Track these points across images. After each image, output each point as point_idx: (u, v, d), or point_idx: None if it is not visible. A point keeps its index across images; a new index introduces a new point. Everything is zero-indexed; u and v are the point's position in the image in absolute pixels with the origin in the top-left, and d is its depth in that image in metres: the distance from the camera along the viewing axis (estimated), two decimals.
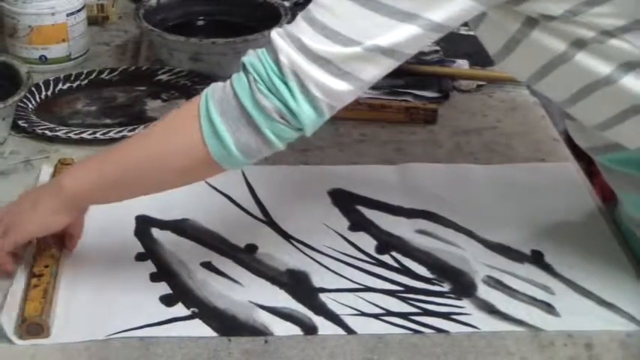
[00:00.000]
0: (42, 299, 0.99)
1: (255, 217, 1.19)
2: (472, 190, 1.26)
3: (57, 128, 1.34)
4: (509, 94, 1.53)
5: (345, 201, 1.23)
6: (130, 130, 1.33)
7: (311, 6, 0.91)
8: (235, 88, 0.92)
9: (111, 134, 1.32)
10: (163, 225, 1.17)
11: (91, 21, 1.66)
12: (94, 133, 1.32)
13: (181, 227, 1.16)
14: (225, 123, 0.92)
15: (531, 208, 1.22)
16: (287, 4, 1.65)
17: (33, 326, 0.96)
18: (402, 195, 1.24)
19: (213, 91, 0.94)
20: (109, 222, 1.15)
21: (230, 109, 0.92)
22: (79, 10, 1.55)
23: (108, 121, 1.40)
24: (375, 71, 0.91)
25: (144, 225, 1.16)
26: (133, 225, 1.16)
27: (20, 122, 1.35)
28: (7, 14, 1.52)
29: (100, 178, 1.01)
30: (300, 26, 0.91)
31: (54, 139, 1.33)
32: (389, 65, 0.91)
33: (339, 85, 0.90)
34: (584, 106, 0.98)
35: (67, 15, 1.53)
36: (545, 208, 1.21)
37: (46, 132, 1.33)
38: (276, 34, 0.92)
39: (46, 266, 1.04)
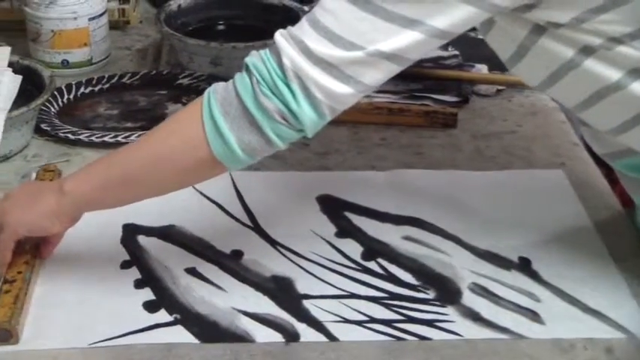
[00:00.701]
0: (12, 305, 0.98)
1: (242, 223, 1.19)
2: (461, 197, 1.25)
3: (79, 132, 1.35)
4: (528, 99, 1.53)
5: (333, 207, 1.23)
6: None
7: (316, 9, 0.92)
8: (238, 89, 0.93)
9: (132, 138, 1.33)
10: (149, 232, 1.17)
11: (113, 25, 1.67)
12: (116, 136, 1.33)
13: (167, 233, 1.16)
14: (227, 122, 0.93)
15: (521, 214, 1.22)
16: (306, 8, 1.65)
17: (1, 332, 0.96)
18: (390, 201, 1.24)
19: (216, 91, 0.95)
20: (95, 231, 1.15)
21: (232, 109, 0.93)
22: (100, 15, 1.56)
23: (129, 124, 1.41)
24: (378, 75, 0.91)
25: (130, 233, 1.16)
26: (119, 233, 1.16)
27: (43, 125, 1.36)
28: (30, 19, 1.53)
29: (102, 180, 1.01)
30: (303, 29, 0.91)
31: (76, 143, 1.34)
32: (391, 70, 0.92)
33: (341, 89, 0.91)
34: (595, 111, 0.98)
35: (89, 19, 1.54)
36: (534, 215, 1.21)
37: (69, 135, 1.34)
38: (279, 36, 0.92)
39: (19, 272, 1.04)
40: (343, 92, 0.91)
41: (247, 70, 0.93)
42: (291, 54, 0.90)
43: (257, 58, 0.93)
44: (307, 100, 0.91)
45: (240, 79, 0.93)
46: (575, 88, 0.98)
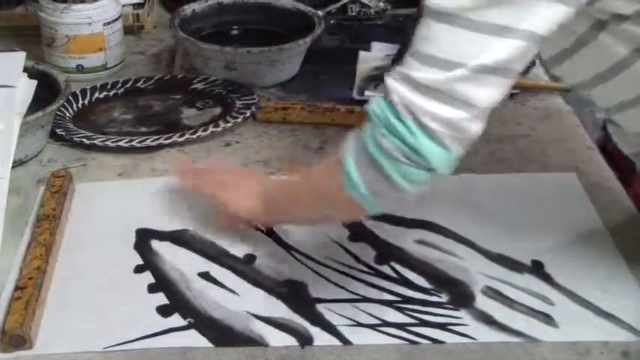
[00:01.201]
0: (23, 311, 0.99)
1: (256, 228, 1.19)
2: (474, 200, 1.25)
3: (94, 136, 1.36)
4: (542, 102, 1.53)
5: None
6: (165, 139, 1.34)
7: (413, 41, 0.90)
8: (364, 137, 0.92)
9: (147, 142, 1.33)
10: (163, 236, 1.17)
11: (127, 30, 1.67)
12: (131, 141, 1.34)
13: (180, 238, 1.17)
14: (359, 173, 0.92)
15: (534, 218, 1.21)
16: (320, 13, 1.65)
17: (15, 338, 0.97)
18: (403, 205, 1.23)
19: (350, 142, 0.94)
20: (109, 236, 1.16)
21: (361, 158, 0.92)
22: (115, 20, 1.57)
23: (144, 129, 1.42)
24: (488, 93, 0.88)
25: (143, 237, 1.17)
26: (133, 238, 1.17)
27: (58, 130, 1.36)
28: (45, 24, 1.54)
29: None
30: (406, 62, 0.90)
31: (91, 147, 1.34)
32: (501, 84, 0.88)
33: (453, 114, 0.87)
34: (635, 113, 0.98)
35: (104, 24, 1.54)
36: (547, 219, 1.21)
37: (84, 140, 1.34)
38: (387, 77, 0.91)
39: (30, 278, 1.04)
40: (456, 117, 0.87)
41: (368, 117, 0.92)
42: (398, 89, 0.88)
43: (374, 103, 0.91)
44: (424, 132, 0.88)
45: (365, 127, 0.92)
46: (622, 89, 0.97)
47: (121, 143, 1.34)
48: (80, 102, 1.47)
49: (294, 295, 1.07)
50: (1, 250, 1.11)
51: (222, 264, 1.12)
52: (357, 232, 1.18)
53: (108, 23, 1.55)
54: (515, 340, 1.01)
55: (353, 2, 1.87)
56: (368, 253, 1.15)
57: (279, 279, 1.10)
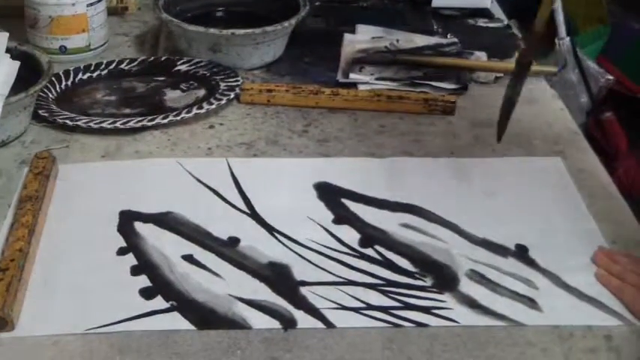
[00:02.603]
0: (5, 292, 0.98)
1: (239, 210, 1.19)
2: (458, 184, 1.25)
3: (77, 118, 1.35)
4: (527, 87, 1.51)
5: (330, 194, 1.23)
6: (149, 120, 1.34)
7: None
8: None
9: (131, 124, 1.33)
10: (146, 218, 1.16)
11: (111, 11, 1.66)
12: (114, 122, 1.33)
13: (164, 220, 1.16)
14: None
15: (518, 202, 1.22)
16: None
17: None
18: (387, 189, 1.23)
19: None
20: (92, 217, 1.15)
21: None
22: (99, 1, 1.55)
23: (127, 110, 1.41)
24: None
25: (127, 219, 1.16)
26: (116, 220, 1.16)
27: (41, 112, 1.35)
28: (28, 5, 1.53)
29: None
30: None
31: (74, 129, 1.34)
32: None
33: None
34: None
35: (88, 5, 1.53)
36: (532, 203, 1.21)
37: (67, 121, 1.33)
38: None
39: (12, 260, 1.03)
40: None
41: None
42: None
43: None
44: None
45: None
46: None
47: (104, 125, 1.33)
48: (63, 83, 1.46)
49: (278, 278, 1.07)
50: None
51: (205, 246, 1.12)
52: (341, 215, 1.18)
53: (91, 4, 1.54)
54: (499, 323, 1.01)
55: None
56: (352, 237, 1.14)
57: (262, 262, 1.09)
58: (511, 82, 1.20)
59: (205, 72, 1.50)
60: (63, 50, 1.55)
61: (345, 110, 1.42)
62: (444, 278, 1.08)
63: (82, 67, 1.51)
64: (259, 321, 1.00)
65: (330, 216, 1.18)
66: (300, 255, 1.11)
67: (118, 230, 1.14)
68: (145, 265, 1.08)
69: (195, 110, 1.37)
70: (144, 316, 1.00)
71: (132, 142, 1.32)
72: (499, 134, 1.22)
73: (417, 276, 1.08)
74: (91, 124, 1.33)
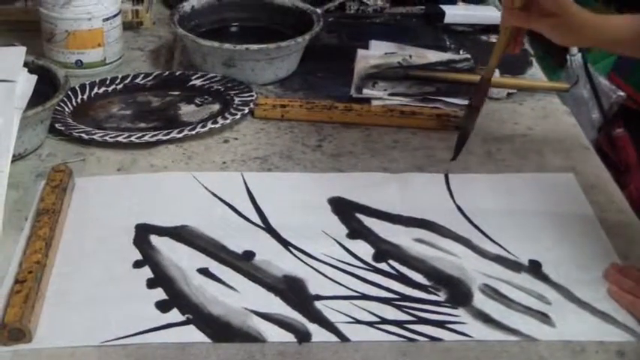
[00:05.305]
0: (23, 304, 0.99)
1: (254, 224, 1.20)
2: (471, 200, 1.26)
3: (93, 131, 1.36)
4: (539, 103, 1.54)
5: (344, 209, 1.23)
6: (164, 135, 1.35)
7: None
8: None
9: (146, 138, 1.34)
10: (162, 232, 1.17)
11: (126, 26, 1.68)
12: (130, 136, 1.34)
13: (180, 234, 1.17)
14: None
15: (531, 218, 1.22)
16: (319, 11, 1.66)
17: (14, 331, 0.97)
18: (401, 204, 1.24)
19: None
20: (108, 231, 1.16)
21: None
22: (114, 16, 1.57)
23: (142, 125, 1.42)
24: None
25: (143, 232, 1.17)
26: (132, 233, 1.17)
27: (57, 125, 1.37)
28: (45, 19, 1.54)
29: None
30: None
31: (90, 142, 1.35)
32: None
33: None
34: None
35: (103, 20, 1.55)
36: (545, 219, 1.22)
37: (83, 135, 1.35)
38: None
39: (30, 272, 1.04)
40: None
41: None
42: None
43: None
44: None
45: None
46: None
47: (119, 139, 1.34)
48: (79, 97, 1.48)
49: (293, 291, 1.08)
50: (0, 243, 1.12)
51: (221, 260, 1.12)
52: (356, 229, 1.19)
53: (107, 19, 1.56)
54: (512, 338, 1.01)
55: (351, 0, 1.88)
56: (366, 251, 1.15)
57: (277, 275, 1.10)
58: (463, 119, 1.27)
59: (220, 87, 1.52)
60: (79, 64, 1.56)
61: (358, 125, 1.43)
62: (457, 293, 1.08)
63: (97, 81, 1.52)
64: (274, 334, 1.01)
65: (345, 230, 1.19)
66: (314, 269, 1.12)
67: (134, 243, 1.15)
68: (160, 278, 1.09)
69: (210, 125, 1.38)
70: (160, 329, 1.01)
71: (147, 156, 1.33)
72: (455, 154, 1.29)
73: (431, 290, 1.09)
74: (107, 138, 1.34)
